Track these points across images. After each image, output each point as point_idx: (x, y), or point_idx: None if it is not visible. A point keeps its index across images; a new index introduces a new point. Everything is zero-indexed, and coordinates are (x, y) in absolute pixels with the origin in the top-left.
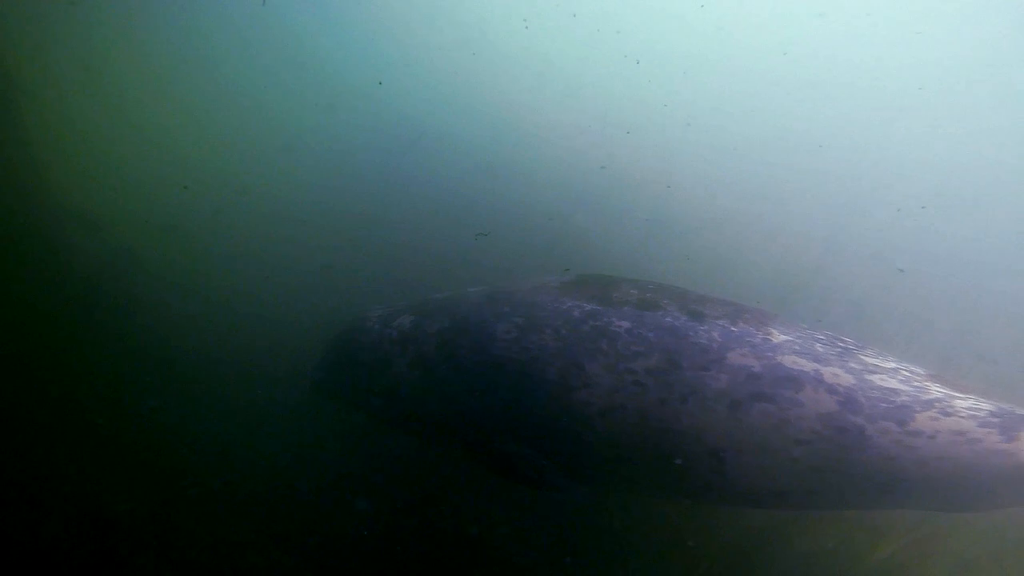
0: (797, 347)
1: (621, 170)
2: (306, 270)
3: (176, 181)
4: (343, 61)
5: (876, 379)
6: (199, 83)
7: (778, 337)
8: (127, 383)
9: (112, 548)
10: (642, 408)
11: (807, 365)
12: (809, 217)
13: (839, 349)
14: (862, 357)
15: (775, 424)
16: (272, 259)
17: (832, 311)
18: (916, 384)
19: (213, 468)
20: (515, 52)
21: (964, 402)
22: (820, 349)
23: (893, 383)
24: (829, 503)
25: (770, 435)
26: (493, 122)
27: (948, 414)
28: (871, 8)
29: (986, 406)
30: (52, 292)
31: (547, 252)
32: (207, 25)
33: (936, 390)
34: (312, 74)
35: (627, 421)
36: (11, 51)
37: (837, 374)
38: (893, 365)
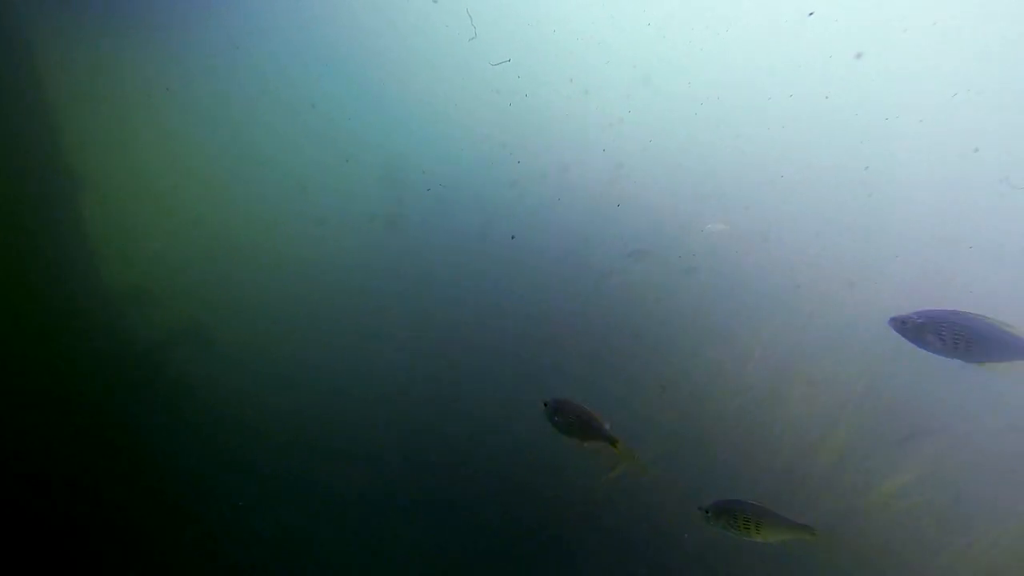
0: None
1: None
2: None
3: (245, 258)
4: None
5: None
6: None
7: None
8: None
9: None
10: None
11: None
12: None
13: None
14: None
15: None
16: (340, 337)
17: None
18: None
19: None
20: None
21: None
22: None
23: None
24: None
25: None
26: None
27: None
28: None
29: None
30: (112, 368)
31: None
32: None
33: None
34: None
35: None
36: (75, 146)
37: None
38: None
